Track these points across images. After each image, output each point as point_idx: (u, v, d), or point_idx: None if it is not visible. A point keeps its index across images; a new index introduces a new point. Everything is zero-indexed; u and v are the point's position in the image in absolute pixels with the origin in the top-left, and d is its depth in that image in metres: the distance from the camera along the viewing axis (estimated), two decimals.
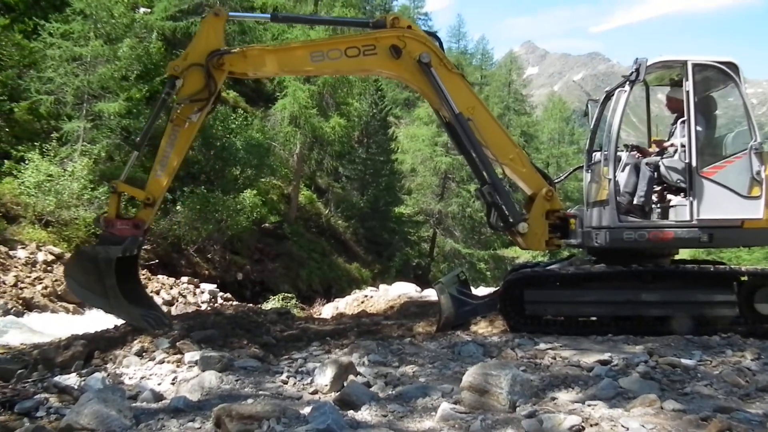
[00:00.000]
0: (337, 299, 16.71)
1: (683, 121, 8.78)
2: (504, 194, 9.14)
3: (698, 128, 8.56)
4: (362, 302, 14.92)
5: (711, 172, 8.51)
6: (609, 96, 9.65)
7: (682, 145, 8.72)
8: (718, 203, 8.43)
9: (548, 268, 9.34)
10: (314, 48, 9.09)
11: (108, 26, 21.60)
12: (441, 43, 9.48)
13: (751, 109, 8.62)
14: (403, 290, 15.13)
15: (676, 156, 8.84)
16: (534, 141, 65.43)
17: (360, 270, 33.56)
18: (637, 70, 8.57)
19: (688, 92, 8.57)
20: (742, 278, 8.77)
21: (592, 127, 10.03)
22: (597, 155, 9.58)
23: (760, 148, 8.42)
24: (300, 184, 33.08)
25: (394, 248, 39.05)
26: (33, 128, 21.25)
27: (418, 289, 15.71)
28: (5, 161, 18.97)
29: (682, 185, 8.64)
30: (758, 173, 8.37)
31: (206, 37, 8.95)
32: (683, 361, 6.31)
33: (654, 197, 9.03)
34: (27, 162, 18.32)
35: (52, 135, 20.33)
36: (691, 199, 8.49)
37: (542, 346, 7.39)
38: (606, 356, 6.61)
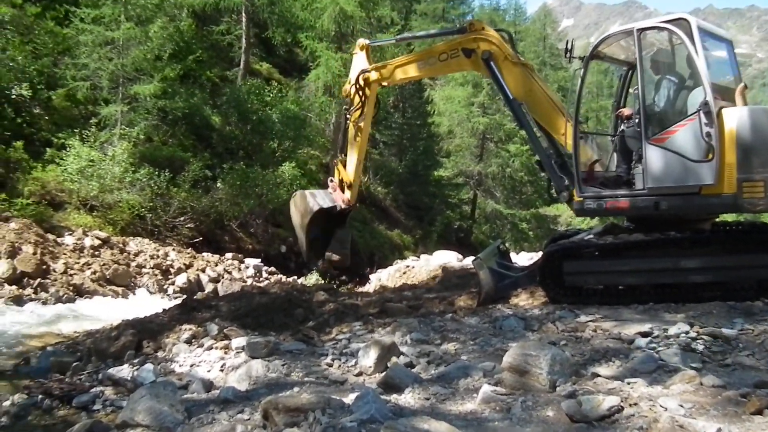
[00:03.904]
0: (379, 270, 16.80)
1: (636, 89, 8.69)
2: (549, 169, 9.55)
3: (649, 95, 8.48)
4: (404, 273, 14.97)
5: (662, 138, 8.19)
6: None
7: (637, 114, 8.59)
8: (670, 170, 8.14)
9: (586, 237, 9.28)
10: (420, 58, 11.75)
11: (138, 8, 21.81)
12: (511, 38, 10.87)
13: (703, 69, 7.95)
14: (444, 260, 15.17)
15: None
16: (572, 95, 64.32)
17: (402, 236, 33.65)
18: (567, 50, 9.28)
19: (637, 59, 8.47)
20: None
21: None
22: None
23: (707, 107, 7.81)
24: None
25: (435, 212, 38.90)
26: (71, 115, 21.61)
27: (460, 257, 15.76)
28: (47, 149, 19.32)
29: (641, 153, 8.52)
30: (708, 135, 7.82)
31: (355, 65, 12.54)
32: (724, 330, 6.23)
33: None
34: (68, 149, 18.75)
35: (91, 120, 20.85)
36: (642, 167, 8.39)
37: (583, 318, 7.40)
38: (646, 327, 6.58)
